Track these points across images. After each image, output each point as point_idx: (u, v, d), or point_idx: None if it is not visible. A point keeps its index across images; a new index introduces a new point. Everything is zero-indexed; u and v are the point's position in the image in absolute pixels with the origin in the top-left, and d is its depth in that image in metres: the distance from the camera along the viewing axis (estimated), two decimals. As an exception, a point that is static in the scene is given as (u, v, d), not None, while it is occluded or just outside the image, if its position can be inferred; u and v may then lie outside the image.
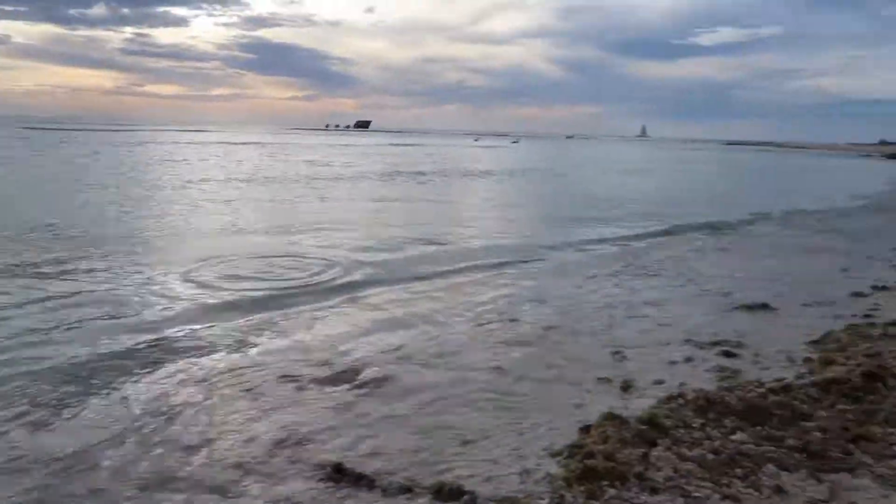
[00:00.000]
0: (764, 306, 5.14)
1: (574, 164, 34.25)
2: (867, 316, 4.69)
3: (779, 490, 2.19)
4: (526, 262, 7.12)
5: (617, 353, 3.99)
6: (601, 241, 8.85)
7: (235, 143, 45.58)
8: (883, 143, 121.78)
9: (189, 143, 42.67)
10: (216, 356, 3.82)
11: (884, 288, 5.77)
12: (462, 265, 6.75)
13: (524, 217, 12.07)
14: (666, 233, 9.84)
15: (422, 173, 21.90)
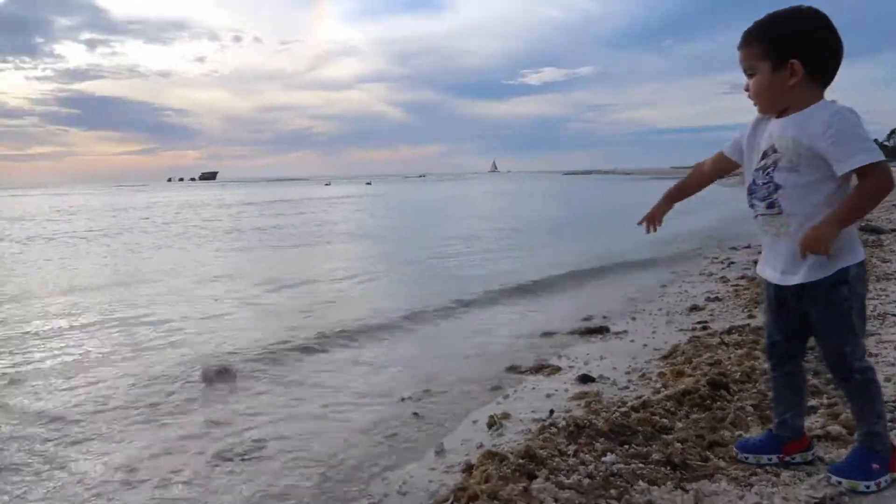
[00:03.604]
0: (605, 329, 5.50)
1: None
2: (705, 327, 5.16)
3: (650, 505, 2.31)
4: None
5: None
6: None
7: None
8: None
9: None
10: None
11: (716, 299, 6.38)
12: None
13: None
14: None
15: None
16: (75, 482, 3.01)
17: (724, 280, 7.58)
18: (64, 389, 4.42)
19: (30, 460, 3.27)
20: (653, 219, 2.58)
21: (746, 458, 2.52)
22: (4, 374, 4.79)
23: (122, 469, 3.13)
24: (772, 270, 2.25)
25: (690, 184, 2.57)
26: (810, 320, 2.19)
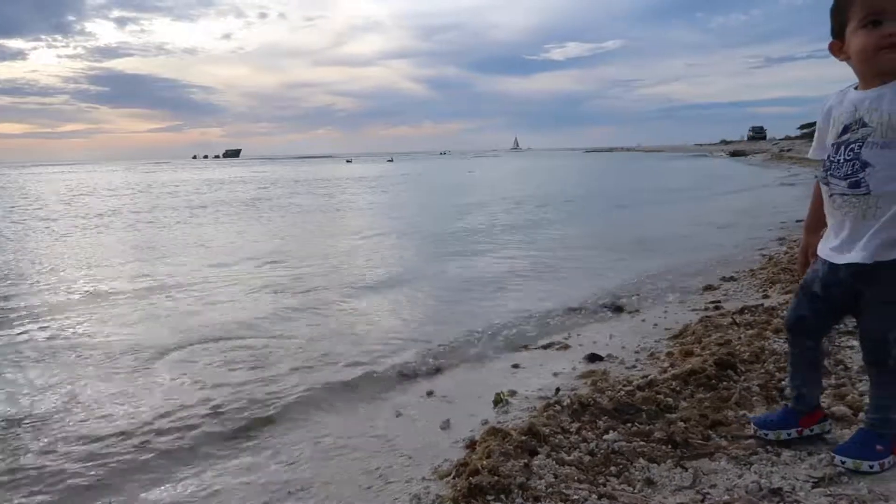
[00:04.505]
0: (618, 308, 5.50)
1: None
2: (717, 307, 5.13)
3: (649, 482, 2.34)
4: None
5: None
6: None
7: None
8: (724, 142, 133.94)
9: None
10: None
11: (732, 279, 6.33)
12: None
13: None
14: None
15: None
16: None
17: (741, 259, 7.50)
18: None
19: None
20: (808, 261, 2.38)
21: (766, 435, 2.49)
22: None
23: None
24: (835, 251, 2.12)
25: (818, 205, 2.33)
26: (860, 301, 2.10)
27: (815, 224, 2.36)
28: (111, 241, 11.80)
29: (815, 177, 2.28)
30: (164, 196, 26.31)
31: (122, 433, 3.34)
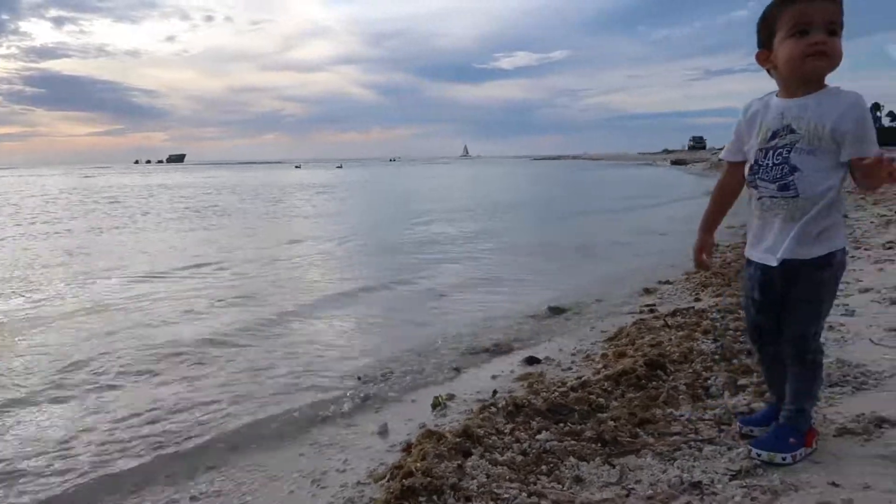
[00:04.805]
0: (558, 312, 5.61)
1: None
2: (652, 310, 5.29)
3: (578, 479, 2.40)
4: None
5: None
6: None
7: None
8: (666, 151, 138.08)
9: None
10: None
11: (668, 282, 6.53)
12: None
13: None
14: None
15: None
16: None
17: (679, 264, 7.72)
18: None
19: None
20: (704, 261, 2.52)
21: (751, 431, 2.54)
22: None
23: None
24: (768, 253, 2.20)
25: (717, 205, 2.47)
26: (785, 300, 2.19)
27: (711, 224, 2.51)
28: (43, 248, 11.33)
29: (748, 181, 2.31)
30: (103, 202, 25.39)
31: (39, 456, 3.15)
